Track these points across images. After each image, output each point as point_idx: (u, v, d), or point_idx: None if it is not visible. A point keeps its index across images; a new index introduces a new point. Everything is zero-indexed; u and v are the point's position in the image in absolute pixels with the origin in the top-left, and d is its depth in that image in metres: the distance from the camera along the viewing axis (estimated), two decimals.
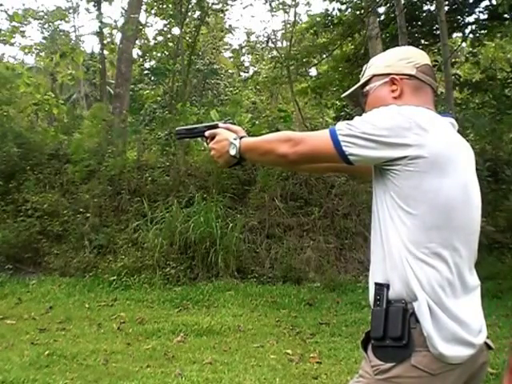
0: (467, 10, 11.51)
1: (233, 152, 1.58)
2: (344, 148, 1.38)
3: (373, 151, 1.35)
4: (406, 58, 1.52)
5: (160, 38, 14.33)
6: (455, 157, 1.39)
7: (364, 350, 1.42)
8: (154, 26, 14.77)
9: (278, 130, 9.81)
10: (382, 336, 1.33)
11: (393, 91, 1.50)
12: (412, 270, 1.32)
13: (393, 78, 1.50)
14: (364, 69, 1.61)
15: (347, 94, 1.67)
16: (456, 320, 1.32)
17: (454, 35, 13.13)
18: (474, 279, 1.43)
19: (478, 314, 1.42)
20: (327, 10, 12.85)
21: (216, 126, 1.69)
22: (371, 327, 1.37)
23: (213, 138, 1.67)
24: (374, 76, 1.55)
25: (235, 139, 1.59)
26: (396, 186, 1.35)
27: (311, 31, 12.99)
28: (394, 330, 1.31)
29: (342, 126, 1.40)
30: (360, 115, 1.45)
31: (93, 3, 12.19)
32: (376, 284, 1.38)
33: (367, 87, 1.56)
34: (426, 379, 1.30)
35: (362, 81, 1.58)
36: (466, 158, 1.45)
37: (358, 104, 1.66)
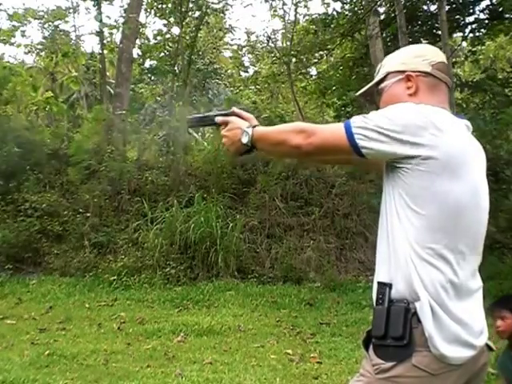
0: (467, 9, 11.51)
1: (245, 140, 1.56)
2: (357, 141, 1.37)
3: (386, 146, 1.34)
4: (422, 55, 1.51)
5: (159, 38, 14.31)
6: (468, 160, 1.38)
7: (365, 348, 1.42)
8: (152, 26, 14.77)
9: None
10: (383, 335, 1.33)
11: (408, 88, 1.49)
12: (416, 270, 1.32)
13: (408, 75, 1.49)
14: (379, 67, 1.60)
15: (362, 92, 1.65)
16: (458, 321, 1.32)
17: (455, 35, 13.13)
18: (476, 281, 1.43)
19: (479, 315, 1.41)
20: (326, 13, 12.86)
21: (230, 114, 1.67)
22: (373, 326, 1.37)
23: (225, 125, 1.65)
24: (389, 73, 1.54)
25: (248, 127, 1.57)
26: (406, 184, 1.35)
27: (311, 31, 13.00)
28: (395, 330, 1.31)
29: (356, 119, 1.39)
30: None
31: (93, 3, 12.17)
32: (379, 283, 1.38)
33: (382, 84, 1.55)
34: (427, 379, 1.29)
35: (377, 78, 1.57)
36: (478, 160, 1.44)
37: (372, 102, 1.65)
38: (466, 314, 1.35)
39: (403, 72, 1.50)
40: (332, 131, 1.43)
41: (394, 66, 1.54)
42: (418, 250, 1.33)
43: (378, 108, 1.58)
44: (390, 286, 1.35)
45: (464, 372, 1.35)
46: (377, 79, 1.57)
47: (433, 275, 1.32)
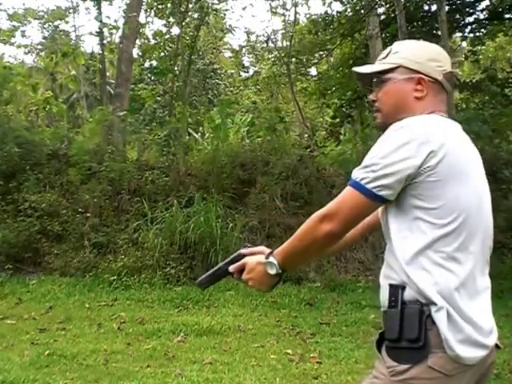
0: (467, 9, 11.53)
1: (273, 271, 1.48)
2: (378, 194, 1.34)
3: (401, 177, 1.32)
4: (437, 60, 1.49)
5: (159, 39, 14.31)
6: (469, 163, 1.40)
7: (378, 350, 1.41)
8: (152, 25, 14.77)
9: (275, 130, 9.83)
10: (397, 337, 1.32)
11: (416, 90, 1.46)
12: (429, 273, 1.32)
13: (420, 79, 1.46)
14: (388, 51, 1.54)
15: (363, 71, 1.58)
16: (470, 322, 1.33)
17: (454, 35, 13.14)
18: (485, 281, 1.44)
19: (488, 315, 1.42)
20: (327, 12, 12.88)
21: (239, 258, 1.59)
22: (386, 328, 1.36)
23: (241, 270, 1.57)
24: (401, 67, 1.49)
25: (268, 258, 1.49)
26: (418, 200, 1.34)
27: (312, 31, 13.01)
28: (410, 332, 1.30)
29: (363, 175, 1.35)
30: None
31: (93, 3, 12.18)
32: (391, 285, 1.37)
33: (390, 75, 1.50)
34: (442, 380, 1.30)
35: (387, 66, 1.51)
36: (477, 162, 1.45)
37: (366, 84, 1.60)
38: (477, 314, 1.35)
39: (416, 72, 1.47)
40: (350, 201, 1.37)
41: (408, 61, 1.48)
42: (430, 254, 1.33)
43: (371, 91, 1.55)
44: (402, 288, 1.34)
45: (475, 372, 1.36)
46: (387, 67, 1.51)
47: (446, 278, 1.32)
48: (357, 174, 1.37)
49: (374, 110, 1.56)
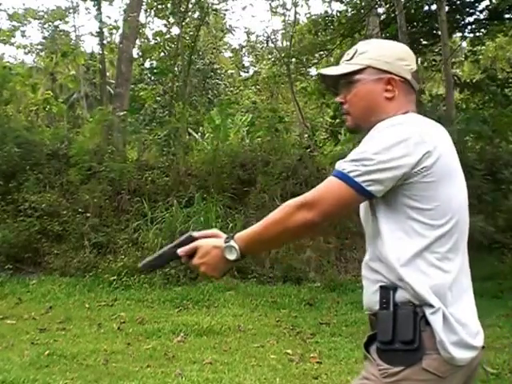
0: (467, 9, 11.54)
1: (233, 256, 1.40)
2: (368, 188, 1.30)
3: (395, 175, 1.30)
4: (404, 59, 1.47)
5: (159, 39, 14.33)
6: (455, 163, 1.40)
7: (367, 351, 1.39)
8: (151, 25, 14.75)
9: (277, 130, 9.84)
10: (390, 340, 1.30)
11: (387, 91, 1.44)
12: (425, 274, 1.31)
13: (391, 79, 1.44)
14: (353, 51, 1.49)
15: (330, 74, 1.52)
16: (460, 323, 1.32)
17: (454, 35, 13.15)
18: (469, 281, 1.43)
19: (474, 315, 1.42)
20: (327, 12, 12.92)
21: (189, 240, 1.46)
22: (378, 330, 1.34)
23: (192, 254, 1.45)
24: (370, 67, 1.45)
25: (227, 241, 1.41)
26: (412, 200, 1.33)
27: (312, 31, 13.03)
28: (404, 334, 1.29)
29: (352, 168, 1.30)
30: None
31: (93, 3, 12.19)
32: (382, 287, 1.35)
33: (358, 76, 1.45)
34: (434, 382, 1.29)
35: (355, 67, 1.46)
36: (457, 159, 1.45)
37: (329, 86, 1.57)
38: (465, 315, 1.35)
39: (386, 72, 1.44)
40: (334, 192, 1.32)
41: (377, 62, 1.45)
42: (427, 255, 1.32)
43: (337, 95, 1.52)
44: (393, 289, 1.32)
45: (464, 372, 1.35)
46: (354, 68, 1.46)
47: (442, 278, 1.32)
48: (344, 165, 1.32)
49: (343, 112, 1.52)
